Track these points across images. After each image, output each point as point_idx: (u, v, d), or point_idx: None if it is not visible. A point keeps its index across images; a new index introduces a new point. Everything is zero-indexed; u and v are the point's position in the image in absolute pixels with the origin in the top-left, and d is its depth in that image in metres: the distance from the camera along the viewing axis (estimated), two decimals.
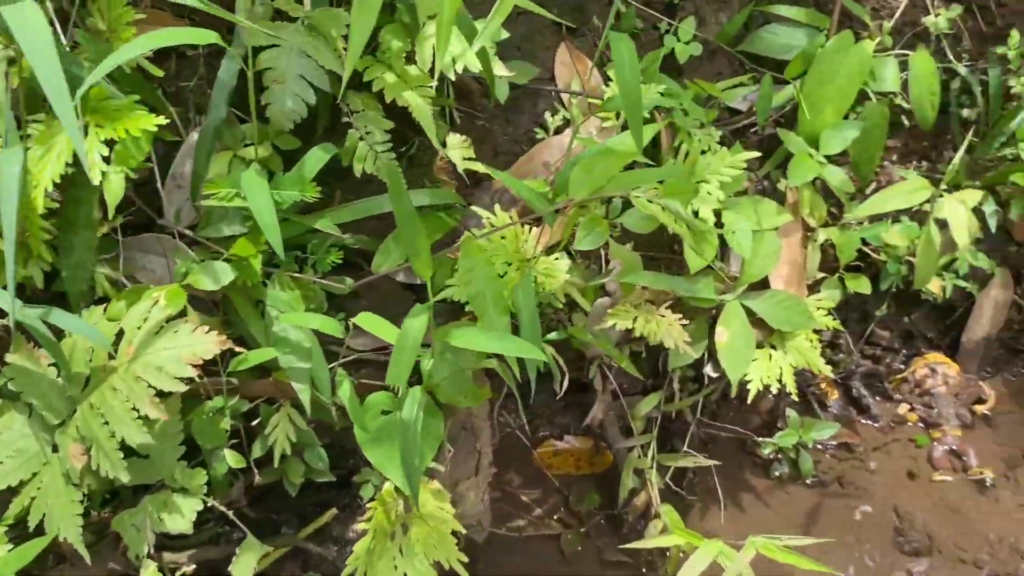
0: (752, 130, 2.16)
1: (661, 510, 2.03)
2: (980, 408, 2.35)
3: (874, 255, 2.21)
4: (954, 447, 2.31)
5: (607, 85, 1.98)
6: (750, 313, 1.97)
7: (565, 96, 2.02)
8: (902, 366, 2.48)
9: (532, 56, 2.01)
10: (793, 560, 1.69)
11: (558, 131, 1.99)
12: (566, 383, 1.83)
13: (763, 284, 2.03)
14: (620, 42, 1.30)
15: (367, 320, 1.42)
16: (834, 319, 2.09)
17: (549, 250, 1.84)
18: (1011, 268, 2.45)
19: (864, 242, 2.17)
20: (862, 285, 2.13)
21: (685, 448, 2.15)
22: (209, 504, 1.58)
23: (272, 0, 1.56)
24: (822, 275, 2.18)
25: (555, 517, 2.20)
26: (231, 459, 1.61)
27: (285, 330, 1.57)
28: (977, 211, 2.23)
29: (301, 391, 1.56)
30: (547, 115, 2.00)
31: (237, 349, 1.49)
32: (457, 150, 1.66)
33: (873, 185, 2.26)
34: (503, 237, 1.72)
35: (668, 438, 2.29)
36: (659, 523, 2.00)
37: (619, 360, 1.93)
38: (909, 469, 2.28)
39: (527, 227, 1.78)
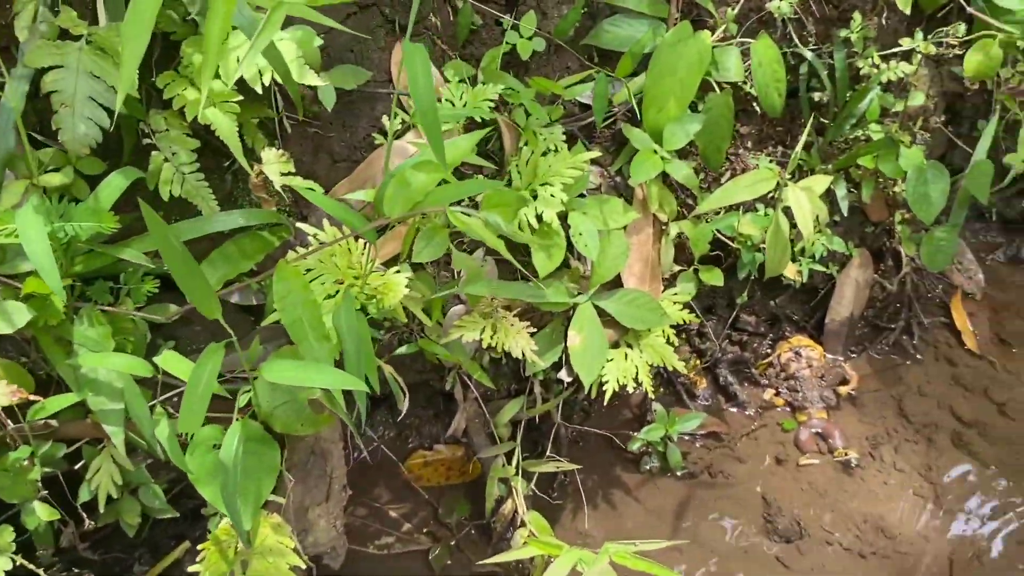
0: (605, 124, 2.12)
1: (527, 518, 1.99)
2: (844, 389, 2.38)
3: (732, 244, 2.20)
4: (820, 430, 2.33)
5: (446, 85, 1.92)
6: (603, 314, 1.94)
7: (404, 98, 1.94)
8: (769, 350, 2.49)
9: (366, 58, 1.92)
10: (644, 567, 1.67)
11: (398, 135, 1.92)
12: (406, 404, 1.77)
13: (616, 283, 2.00)
14: (413, 53, 1.23)
15: (170, 360, 1.33)
16: (692, 312, 2.08)
17: (393, 260, 1.77)
18: (869, 248, 2.48)
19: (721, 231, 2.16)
20: (715, 277, 2.12)
21: (549, 453, 2.11)
22: (18, 563, 1.47)
23: (55, 17, 1.44)
24: (680, 268, 2.17)
25: (424, 531, 2.15)
26: (42, 512, 1.50)
27: (94, 370, 1.47)
28: (831, 194, 2.25)
29: (113, 434, 1.47)
30: (384, 119, 1.92)
31: (32, 398, 1.38)
32: (275, 165, 1.57)
33: (728, 173, 2.25)
34: (334, 254, 1.64)
35: (540, 440, 2.25)
36: (525, 532, 1.97)
37: (472, 370, 1.88)
38: (777, 455, 2.30)
39: (361, 241, 1.71)
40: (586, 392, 1.85)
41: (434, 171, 1.43)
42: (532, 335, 1.88)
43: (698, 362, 2.44)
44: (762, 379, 2.44)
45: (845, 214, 2.26)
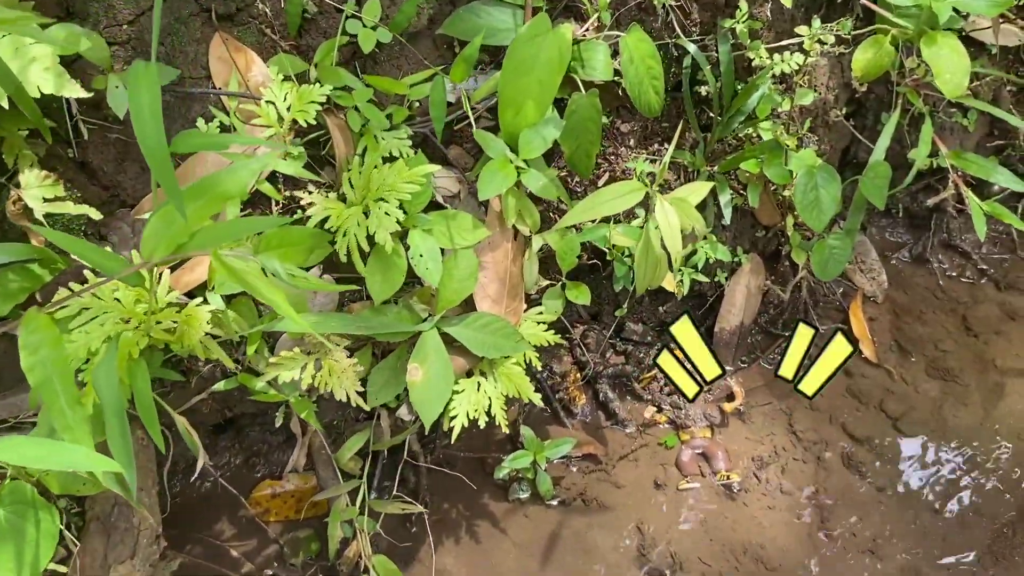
0: (465, 122, 1.90)
1: (372, 562, 1.82)
2: (730, 406, 2.23)
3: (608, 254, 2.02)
4: (702, 450, 2.18)
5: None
6: (452, 341, 1.75)
7: (226, 98, 1.70)
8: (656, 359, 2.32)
9: (179, 52, 1.68)
10: None
11: None
12: (201, 464, 1.56)
13: (469, 306, 1.81)
14: (138, 75, 1.00)
15: None
16: (559, 333, 1.90)
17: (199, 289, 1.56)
18: (762, 252, 2.32)
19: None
20: (582, 295, 1.94)
21: (398, 487, 1.93)
22: None
23: None
24: (549, 282, 1.98)
25: (268, 572, 1.96)
26: None
27: None
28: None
29: None
30: (200, 121, 1.69)
31: None
32: (35, 189, 1.34)
33: (606, 176, 2.05)
34: (116, 288, 1.41)
35: (400, 466, 2.07)
36: None
37: (299, 409, 1.68)
38: (656, 478, 2.14)
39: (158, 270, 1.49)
40: (428, 430, 1.66)
41: (214, 199, 1.21)
42: (374, 364, 1.69)
43: (578, 376, 2.26)
44: (645, 394, 2.28)
45: (728, 221, 2.09)
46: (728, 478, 2.12)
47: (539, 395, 1.79)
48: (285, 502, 2.04)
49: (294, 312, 1.12)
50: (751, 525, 2.07)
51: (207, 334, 1.47)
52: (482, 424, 1.75)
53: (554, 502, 2.10)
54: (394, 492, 1.90)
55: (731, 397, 2.24)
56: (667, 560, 2.00)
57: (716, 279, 2.26)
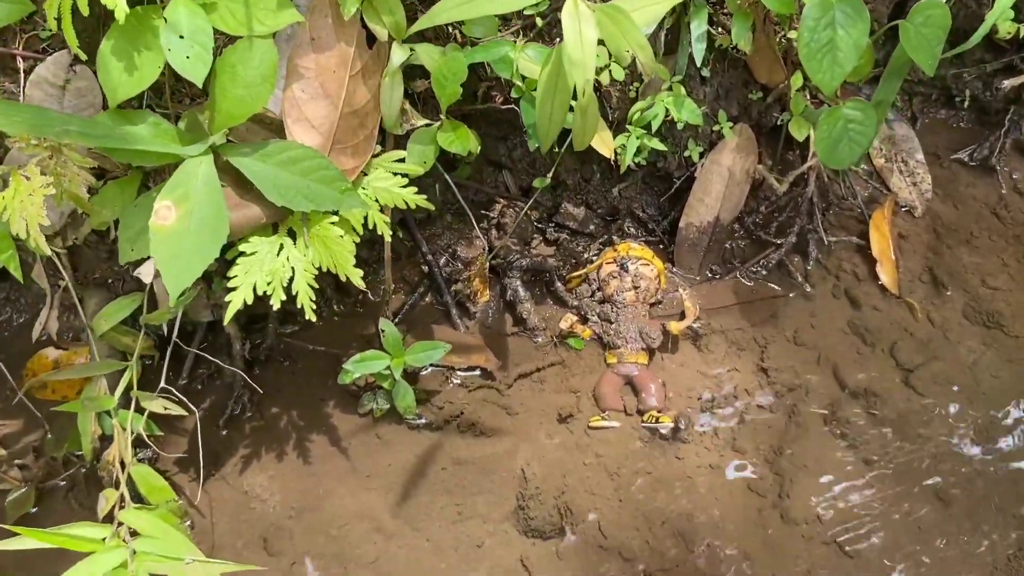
0: None
1: (132, 472, 1.33)
2: (676, 326, 1.64)
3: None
4: (631, 379, 1.62)
5: None
6: (245, 183, 1.20)
7: None
8: (595, 257, 1.75)
9: None
10: None
11: None
12: None
13: (276, 130, 1.25)
14: None
15: None
16: (423, 195, 1.33)
17: None
18: (756, 124, 1.69)
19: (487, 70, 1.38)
20: (459, 141, 1.35)
21: (209, 384, 1.43)
22: None
23: None
24: (426, 122, 1.40)
25: (18, 463, 1.49)
26: None
27: None
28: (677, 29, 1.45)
29: None
30: None
31: None
32: None
33: None
34: None
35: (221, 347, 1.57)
36: (112, 494, 1.30)
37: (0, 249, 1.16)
38: (562, 409, 1.59)
39: None
40: (173, 303, 1.12)
41: None
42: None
43: (486, 265, 1.70)
44: (569, 298, 1.71)
45: (701, 64, 1.46)
46: (657, 420, 1.56)
47: (359, 272, 1.24)
48: (69, 382, 1.55)
49: None
50: (681, 487, 1.52)
51: None
52: (276, 305, 1.21)
53: (418, 423, 1.57)
54: (161, 386, 1.38)
55: (683, 315, 1.65)
56: (553, 520, 1.47)
57: (687, 154, 1.64)
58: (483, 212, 1.74)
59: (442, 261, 1.71)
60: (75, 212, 1.30)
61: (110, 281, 1.44)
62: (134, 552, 1.11)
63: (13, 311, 1.62)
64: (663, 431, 1.56)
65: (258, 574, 1.33)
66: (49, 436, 1.51)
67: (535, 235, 1.77)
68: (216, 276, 1.43)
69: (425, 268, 1.71)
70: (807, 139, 1.69)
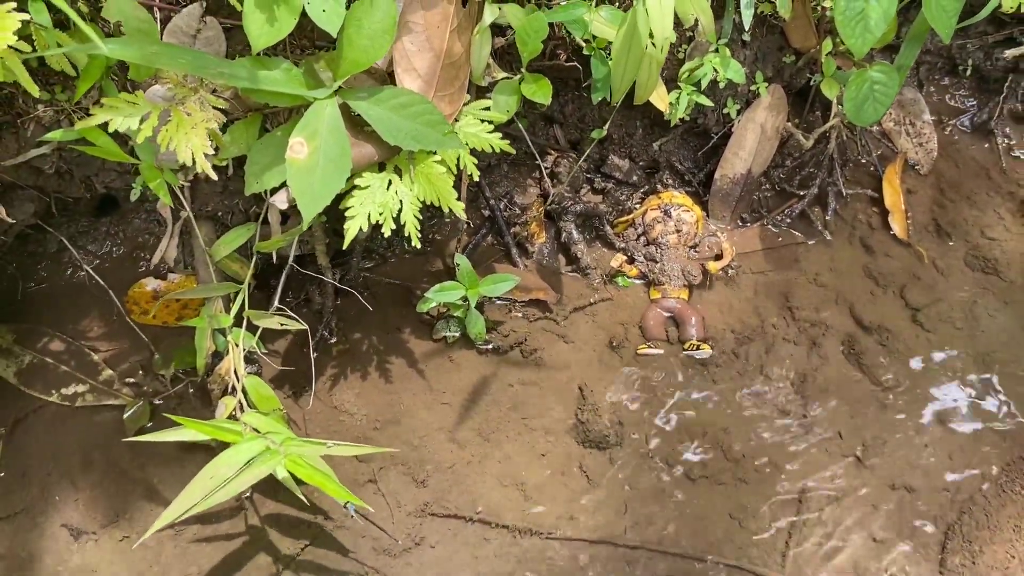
0: None
1: (245, 384, 1.50)
2: (715, 265, 1.84)
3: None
4: (672, 312, 1.81)
5: None
6: (359, 122, 1.36)
7: None
8: (638, 204, 1.93)
9: None
10: (320, 483, 1.19)
11: None
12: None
13: (385, 79, 1.41)
14: None
15: None
16: (510, 140, 1.51)
17: None
18: (787, 85, 1.88)
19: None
20: (541, 91, 1.53)
21: (294, 309, 1.59)
22: None
23: None
24: (505, 75, 1.57)
25: (129, 382, 1.66)
26: None
27: None
28: None
29: None
30: None
31: None
32: None
33: None
34: None
35: (308, 281, 1.74)
36: (231, 401, 1.47)
37: (148, 177, 1.32)
38: (613, 338, 1.78)
39: None
40: (306, 226, 1.29)
41: None
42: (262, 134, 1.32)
43: (542, 209, 1.88)
44: (617, 241, 1.89)
45: (747, 28, 1.64)
46: (697, 347, 1.75)
47: (461, 205, 1.41)
48: (168, 306, 1.72)
49: (93, 31, 0.73)
50: (718, 406, 1.72)
51: (10, 47, 1.10)
52: (387, 232, 1.38)
53: (487, 348, 1.76)
54: (275, 306, 1.55)
55: (719, 256, 1.84)
56: (608, 432, 1.66)
57: (725, 110, 1.83)
58: (535, 163, 1.92)
59: (501, 206, 1.88)
60: None
61: (219, 214, 1.60)
62: (277, 441, 1.28)
63: (112, 244, 1.78)
64: (704, 358, 1.75)
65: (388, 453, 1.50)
66: (157, 356, 1.67)
67: (584, 184, 1.94)
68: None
69: (486, 212, 1.88)
70: (828, 102, 1.89)
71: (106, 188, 1.57)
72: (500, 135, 1.50)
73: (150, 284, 1.71)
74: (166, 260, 1.57)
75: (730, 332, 1.81)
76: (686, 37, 1.74)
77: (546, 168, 1.90)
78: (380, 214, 1.38)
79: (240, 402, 1.46)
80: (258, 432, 1.37)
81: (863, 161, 2.06)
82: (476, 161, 1.48)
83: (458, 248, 1.75)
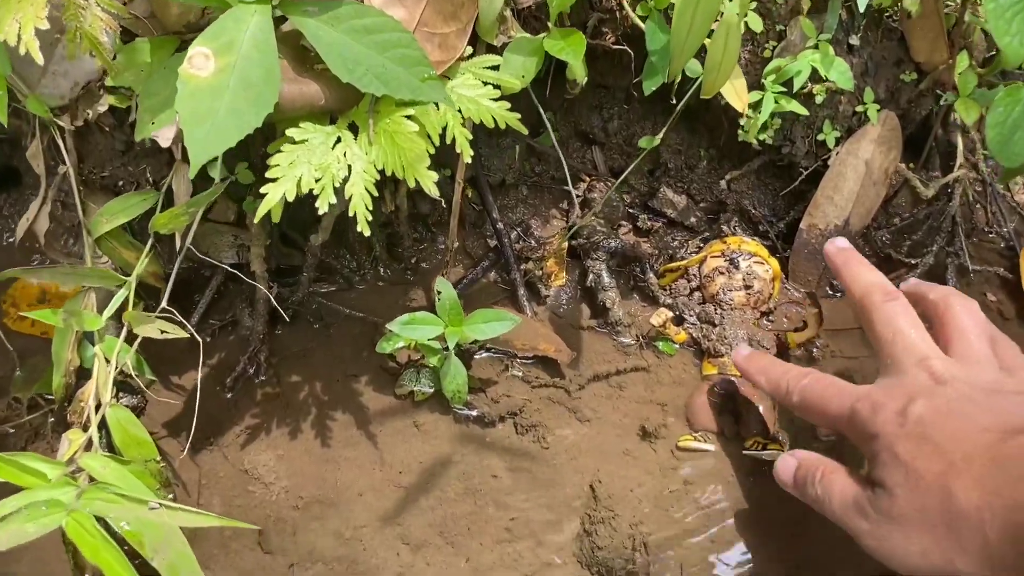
0: None
1: (107, 414, 1.04)
2: (797, 337, 1.35)
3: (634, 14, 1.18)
4: (733, 395, 1.32)
5: None
6: (297, 50, 0.95)
7: None
8: (694, 252, 1.47)
9: None
10: (106, 566, 0.71)
11: None
12: None
13: None
14: None
15: None
16: (514, 112, 1.07)
17: None
18: (903, 114, 1.43)
19: None
20: (571, 48, 1.10)
21: (228, 335, 1.15)
22: None
23: None
24: (525, 35, 1.15)
25: None
26: None
27: None
28: None
29: None
30: None
31: None
32: None
33: None
34: None
35: (241, 297, 1.30)
36: (77, 436, 1.01)
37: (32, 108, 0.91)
38: (646, 422, 1.29)
39: None
40: (194, 174, 0.86)
41: None
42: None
43: (563, 243, 1.43)
44: (663, 294, 1.42)
45: (861, 8, 1.21)
46: (764, 446, 1.25)
47: (434, 176, 0.97)
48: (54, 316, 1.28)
49: None
50: (792, 531, 1.20)
51: None
52: (322, 207, 0.94)
53: (467, 414, 1.28)
54: (162, 306, 1.10)
55: (801, 326, 1.36)
56: (627, 555, 1.15)
57: (820, 136, 1.38)
58: (563, 188, 1.49)
59: (512, 235, 1.44)
60: (90, 84, 1.06)
61: (121, 184, 1.18)
62: (81, 492, 0.81)
63: (4, 228, 1.37)
64: (769, 459, 1.24)
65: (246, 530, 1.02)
66: (18, 373, 1.23)
67: (623, 221, 1.50)
68: (250, 196, 1.17)
69: (492, 241, 1.44)
70: (950, 150, 1.44)
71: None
72: (509, 105, 1.07)
73: (35, 280, 1.29)
74: (35, 234, 1.15)
75: (794, 426, 1.30)
76: (775, 32, 1.31)
77: (578, 196, 1.46)
78: (317, 179, 0.94)
79: (92, 439, 1.00)
80: (92, 481, 0.90)
81: (990, 234, 1.59)
82: (470, 136, 1.05)
83: (447, 271, 1.29)
